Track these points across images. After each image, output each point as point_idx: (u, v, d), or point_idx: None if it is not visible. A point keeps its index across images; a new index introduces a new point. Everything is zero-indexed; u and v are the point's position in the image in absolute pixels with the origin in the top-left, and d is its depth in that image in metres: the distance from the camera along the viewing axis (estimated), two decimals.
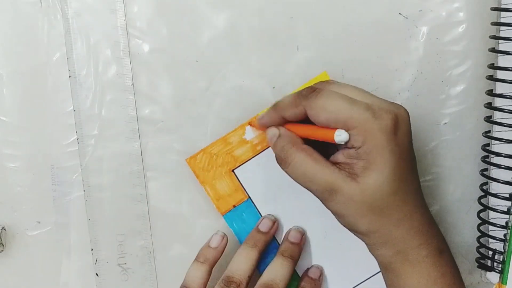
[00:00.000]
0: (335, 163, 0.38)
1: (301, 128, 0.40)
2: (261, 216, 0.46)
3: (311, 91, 0.39)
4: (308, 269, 0.46)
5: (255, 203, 0.46)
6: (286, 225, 0.46)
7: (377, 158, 0.36)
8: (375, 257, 0.40)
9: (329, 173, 0.38)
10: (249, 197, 0.46)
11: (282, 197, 0.46)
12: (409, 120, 0.38)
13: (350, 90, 0.38)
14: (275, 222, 0.46)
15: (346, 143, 0.37)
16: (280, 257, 0.44)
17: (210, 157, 0.46)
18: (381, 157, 0.36)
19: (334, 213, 0.39)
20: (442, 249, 0.39)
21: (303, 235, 0.46)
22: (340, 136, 0.37)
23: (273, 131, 0.42)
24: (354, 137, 0.37)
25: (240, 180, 0.46)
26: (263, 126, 0.43)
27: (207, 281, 0.44)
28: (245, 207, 0.46)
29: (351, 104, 0.37)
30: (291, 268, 0.44)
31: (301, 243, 0.46)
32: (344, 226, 0.39)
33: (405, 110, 0.38)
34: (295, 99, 0.39)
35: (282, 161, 0.40)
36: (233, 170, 0.46)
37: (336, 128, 0.37)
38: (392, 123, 0.37)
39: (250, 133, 0.46)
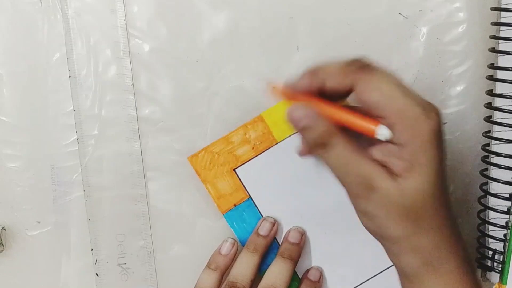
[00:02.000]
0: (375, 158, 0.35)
1: (337, 111, 0.36)
2: (262, 215, 0.46)
3: (364, 65, 0.35)
4: (307, 270, 0.46)
5: (255, 203, 0.46)
6: (286, 226, 0.46)
7: (423, 159, 0.33)
8: (397, 265, 0.37)
9: (368, 167, 0.34)
10: (250, 196, 0.46)
11: (282, 197, 0.46)
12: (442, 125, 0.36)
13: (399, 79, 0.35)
14: (275, 224, 0.46)
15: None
16: (280, 258, 0.44)
17: (211, 156, 0.46)
18: (427, 160, 0.33)
19: (364, 213, 0.36)
20: (469, 262, 0.37)
21: (302, 235, 0.46)
22: (382, 134, 0.34)
23: (305, 112, 0.36)
24: (400, 132, 0.34)
25: (241, 179, 0.46)
26: (292, 93, 0.37)
27: (218, 287, 0.44)
28: (246, 207, 0.46)
29: (405, 95, 0.34)
30: (291, 270, 0.44)
31: (300, 243, 0.45)
32: (370, 229, 0.36)
33: (439, 112, 0.35)
34: (344, 68, 0.35)
35: (321, 145, 0.35)
36: (234, 169, 0.46)
37: (380, 118, 0.34)
38: (439, 124, 0.34)
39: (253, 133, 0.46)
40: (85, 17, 0.46)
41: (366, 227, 0.36)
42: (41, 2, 0.46)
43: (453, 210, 0.37)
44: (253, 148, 0.46)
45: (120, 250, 0.47)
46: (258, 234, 0.45)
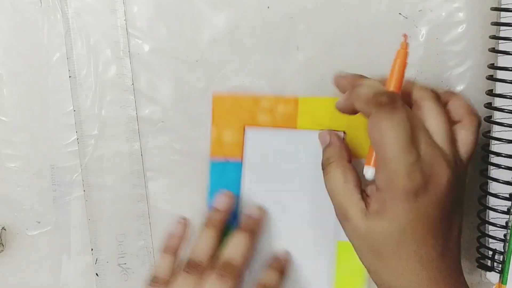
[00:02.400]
0: (363, 191, 0.39)
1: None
2: (241, 186, 0.46)
3: (388, 102, 0.36)
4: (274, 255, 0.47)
5: (244, 170, 0.46)
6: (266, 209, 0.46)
7: (388, 211, 0.36)
8: None
9: (349, 199, 0.38)
10: (242, 161, 0.46)
11: (271, 179, 0.46)
12: (447, 188, 0.36)
13: (419, 127, 0.37)
14: (232, 198, 0.46)
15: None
16: (239, 232, 0.44)
17: (234, 105, 0.46)
18: (393, 211, 0.36)
19: (348, 239, 0.39)
20: None
21: (261, 210, 0.46)
22: (366, 173, 0.38)
23: (324, 137, 0.43)
24: (380, 177, 0.36)
25: (245, 140, 0.46)
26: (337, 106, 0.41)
27: (174, 267, 0.44)
28: (233, 167, 0.46)
29: (401, 146, 0.35)
30: (251, 242, 0.44)
31: (260, 218, 0.46)
32: None
33: (449, 176, 0.36)
34: (369, 98, 0.37)
35: (323, 169, 0.41)
36: (246, 127, 0.46)
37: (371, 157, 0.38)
38: (414, 189, 0.35)
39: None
40: (85, 17, 0.46)
41: None
42: (41, 2, 0.46)
43: (451, 271, 0.38)
44: (272, 120, 0.46)
45: (120, 250, 0.47)
46: (215, 209, 0.45)
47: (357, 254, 0.39)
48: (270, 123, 0.46)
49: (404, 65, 0.38)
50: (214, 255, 0.44)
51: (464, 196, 0.40)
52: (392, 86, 0.38)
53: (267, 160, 0.46)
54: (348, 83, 0.40)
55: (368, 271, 0.39)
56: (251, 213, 0.46)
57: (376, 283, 0.39)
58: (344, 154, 0.41)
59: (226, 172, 0.46)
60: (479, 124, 0.40)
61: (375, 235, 0.37)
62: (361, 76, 0.40)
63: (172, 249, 0.44)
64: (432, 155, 0.36)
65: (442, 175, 0.36)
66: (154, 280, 0.43)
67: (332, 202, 0.40)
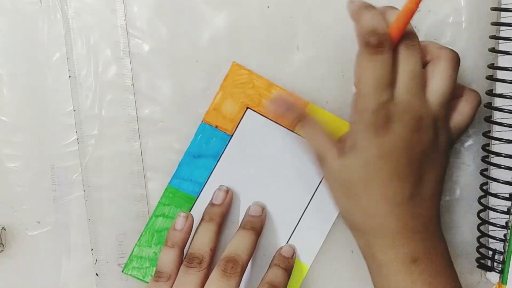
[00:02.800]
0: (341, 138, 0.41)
1: None
2: (220, 159, 0.46)
3: (373, 44, 0.38)
4: (281, 247, 0.47)
5: (229, 145, 0.46)
6: (244, 197, 0.47)
7: (358, 145, 0.38)
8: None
9: (324, 144, 0.40)
10: (232, 136, 0.46)
11: (249, 165, 0.47)
12: (424, 137, 0.38)
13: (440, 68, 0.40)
14: (228, 192, 0.46)
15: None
16: (242, 229, 0.45)
17: (248, 81, 0.46)
18: (360, 146, 0.38)
19: (325, 182, 0.43)
20: (416, 257, 0.39)
21: (263, 209, 0.46)
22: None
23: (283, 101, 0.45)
24: (353, 111, 0.39)
25: (242, 120, 0.46)
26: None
27: (180, 263, 0.44)
28: (221, 138, 0.46)
29: (374, 85, 0.37)
30: (254, 240, 0.44)
31: (262, 216, 0.46)
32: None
33: (425, 126, 0.38)
34: (359, 36, 0.39)
35: (297, 122, 0.43)
36: (248, 108, 0.46)
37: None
38: (378, 122, 0.37)
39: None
40: (85, 17, 0.46)
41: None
42: (41, 2, 0.46)
43: (420, 211, 0.39)
44: None
45: (120, 250, 0.47)
46: (212, 204, 0.45)
47: (332, 197, 0.41)
48: (272, 114, 0.46)
49: (411, 11, 0.38)
50: (216, 250, 0.44)
51: (446, 164, 0.41)
52: (392, 28, 0.38)
53: (255, 146, 0.46)
54: (358, 8, 0.40)
55: (342, 213, 0.42)
56: (253, 212, 0.46)
57: (348, 226, 0.41)
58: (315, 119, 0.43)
59: (212, 137, 0.46)
60: (479, 103, 0.42)
61: (346, 173, 0.39)
62: (368, 6, 0.40)
63: (175, 243, 0.44)
64: (408, 102, 0.38)
65: (411, 121, 0.38)
66: (158, 274, 0.43)
67: (311, 147, 0.41)
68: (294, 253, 0.46)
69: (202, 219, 0.45)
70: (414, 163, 0.38)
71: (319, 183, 0.46)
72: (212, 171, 0.46)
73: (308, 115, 0.43)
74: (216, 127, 0.46)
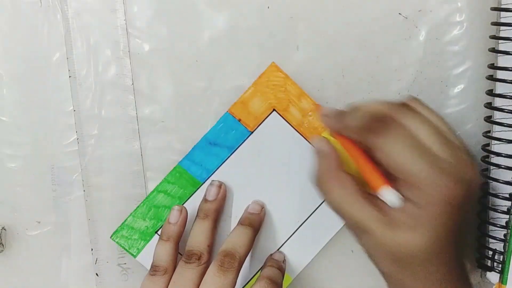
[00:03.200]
0: (377, 199, 0.36)
1: (355, 154, 0.38)
2: (238, 150, 0.46)
3: (379, 126, 0.35)
4: (271, 254, 0.47)
5: (247, 140, 0.46)
6: (246, 197, 0.47)
7: (425, 224, 0.34)
8: None
9: (362, 213, 0.36)
10: (252, 133, 0.46)
11: (262, 170, 0.47)
12: (477, 188, 0.37)
13: (424, 127, 0.35)
14: (221, 187, 0.46)
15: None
16: (240, 225, 0.45)
17: (282, 84, 0.46)
18: (428, 226, 0.34)
19: (363, 249, 0.38)
20: None
21: (262, 207, 0.46)
22: (391, 197, 0.35)
23: (318, 145, 0.41)
24: (414, 194, 0.34)
25: (264, 120, 0.46)
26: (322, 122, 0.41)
27: (176, 257, 0.44)
28: (241, 132, 0.46)
29: (420, 158, 0.34)
30: (252, 236, 0.44)
31: (260, 214, 0.46)
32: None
33: (476, 171, 0.36)
34: (361, 129, 0.37)
35: (318, 186, 0.39)
36: (274, 110, 0.46)
37: (387, 183, 0.35)
38: (458, 198, 0.34)
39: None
40: (85, 17, 0.46)
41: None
42: (41, 2, 0.46)
43: (460, 270, 0.37)
44: (299, 122, 0.46)
45: (120, 250, 0.47)
46: (206, 200, 0.45)
47: (376, 262, 0.37)
48: (296, 123, 0.46)
49: (364, 158, 0.38)
50: (213, 245, 0.44)
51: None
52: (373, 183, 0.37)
53: (271, 148, 0.46)
54: (335, 117, 0.40)
55: (388, 278, 0.38)
56: (253, 210, 0.46)
57: (390, 285, 0.39)
58: (339, 164, 0.39)
59: (232, 129, 0.46)
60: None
61: (401, 248, 0.35)
62: (343, 112, 0.39)
63: (170, 236, 0.44)
64: (451, 149, 0.35)
65: (470, 173, 0.35)
66: (154, 268, 0.43)
67: (343, 217, 0.38)
68: (284, 259, 0.47)
69: (197, 216, 0.45)
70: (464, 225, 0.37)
71: (322, 202, 0.46)
72: (224, 161, 0.46)
73: (336, 169, 0.39)
74: (239, 120, 0.46)
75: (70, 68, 0.46)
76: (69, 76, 0.47)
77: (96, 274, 0.47)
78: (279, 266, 0.45)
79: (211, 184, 0.46)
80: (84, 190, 0.47)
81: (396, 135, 0.35)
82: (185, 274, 0.42)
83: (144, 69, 0.47)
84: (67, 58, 0.46)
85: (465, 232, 0.37)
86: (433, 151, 0.35)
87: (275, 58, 0.47)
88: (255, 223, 0.45)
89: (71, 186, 0.47)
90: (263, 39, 0.47)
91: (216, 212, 0.45)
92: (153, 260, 0.44)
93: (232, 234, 0.44)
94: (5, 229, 0.47)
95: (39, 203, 0.47)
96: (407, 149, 0.34)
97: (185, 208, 0.45)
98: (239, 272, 0.42)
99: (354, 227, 0.37)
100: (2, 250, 0.47)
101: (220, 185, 0.46)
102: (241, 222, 0.45)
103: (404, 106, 0.37)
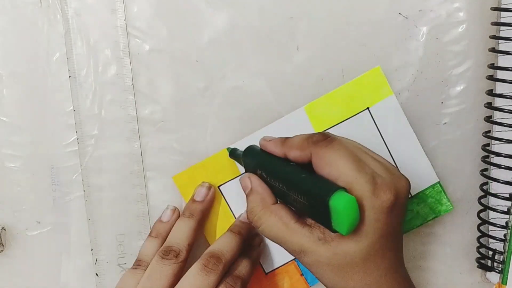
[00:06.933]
0: (302, 221, 0.39)
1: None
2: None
3: (322, 138, 0.38)
4: (240, 215, 0.47)
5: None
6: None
7: (359, 233, 0.36)
8: None
9: (299, 237, 0.38)
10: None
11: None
12: (407, 196, 0.38)
13: (358, 148, 0.39)
14: (211, 189, 0.46)
15: None
16: (229, 232, 0.45)
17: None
18: (363, 234, 0.36)
19: (307, 268, 0.39)
20: None
21: None
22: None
23: (245, 182, 0.42)
24: None
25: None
26: (265, 148, 0.43)
27: None
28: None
29: (357, 170, 0.36)
30: (240, 243, 0.44)
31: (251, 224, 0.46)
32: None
33: (407, 182, 0.38)
34: (303, 141, 0.39)
35: (252, 223, 0.41)
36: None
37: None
38: (388, 205, 0.36)
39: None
40: (85, 17, 0.46)
41: None
42: (41, 2, 0.46)
43: (399, 269, 0.39)
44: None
45: (120, 250, 0.47)
46: (193, 200, 0.46)
47: (319, 278, 0.39)
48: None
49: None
50: (193, 246, 0.44)
51: None
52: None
53: None
54: (274, 143, 0.41)
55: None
56: (244, 219, 0.46)
57: None
58: (269, 198, 0.41)
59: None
60: None
61: (340, 258, 0.37)
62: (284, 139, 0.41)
63: (159, 234, 0.44)
64: (382, 166, 0.38)
65: (402, 182, 0.38)
66: (137, 263, 0.43)
67: (280, 244, 0.39)
68: (261, 241, 0.47)
69: (182, 214, 0.45)
70: (401, 225, 0.39)
71: None
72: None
73: (265, 210, 0.40)
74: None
75: (70, 68, 0.46)
76: (69, 76, 0.47)
77: (96, 274, 0.47)
78: (239, 229, 0.45)
79: (201, 185, 0.46)
80: (84, 190, 0.47)
81: (338, 147, 0.37)
82: (160, 269, 0.42)
83: (144, 69, 0.47)
84: (67, 58, 0.46)
85: (399, 237, 0.39)
86: (370, 166, 0.37)
87: (275, 58, 0.47)
88: (244, 231, 0.45)
89: (71, 186, 0.47)
90: (263, 39, 0.47)
91: (202, 213, 0.45)
92: (138, 254, 0.44)
93: (221, 239, 0.44)
94: (5, 229, 0.47)
95: (39, 203, 0.47)
96: (348, 159, 0.37)
97: (178, 209, 0.46)
98: (221, 277, 0.41)
99: (295, 251, 0.39)
100: (2, 250, 0.47)
101: (210, 187, 0.46)
102: (231, 229, 0.45)
103: (308, 144, 0.39)
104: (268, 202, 0.40)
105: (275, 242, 0.40)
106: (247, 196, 0.42)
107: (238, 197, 0.46)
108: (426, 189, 0.46)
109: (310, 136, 0.39)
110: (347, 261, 0.37)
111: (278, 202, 0.41)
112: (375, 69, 0.46)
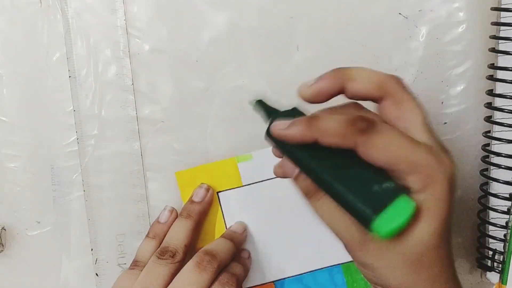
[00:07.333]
0: None
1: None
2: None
3: (367, 125, 0.32)
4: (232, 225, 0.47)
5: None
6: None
7: (431, 208, 0.32)
8: None
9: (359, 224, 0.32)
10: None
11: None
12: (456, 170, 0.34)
13: (413, 117, 0.34)
14: (209, 191, 0.46)
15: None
16: (222, 237, 0.45)
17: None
18: (436, 208, 0.32)
19: (363, 265, 0.34)
20: None
21: (244, 229, 0.46)
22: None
23: (288, 167, 0.35)
24: (414, 183, 0.32)
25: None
26: (285, 137, 0.34)
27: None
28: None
29: (414, 145, 0.32)
30: (233, 249, 0.44)
31: (242, 234, 0.46)
32: (371, 280, 0.35)
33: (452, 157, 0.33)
34: (344, 128, 0.32)
35: (308, 201, 0.34)
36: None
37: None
38: (454, 170, 0.32)
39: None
40: (85, 17, 0.46)
41: (366, 278, 0.35)
42: (41, 2, 0.46)
43: (452, 256, 0.35)
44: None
45: (120, 250, 0.47)
46: (191, 201, 0.46)
47: (385, 274, 0.33)
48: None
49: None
50: (190, 247, 0.44)
51: None
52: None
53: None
54: (305, 125, 0.33)
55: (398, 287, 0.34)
56: (235, 229, 0.46)
57: None
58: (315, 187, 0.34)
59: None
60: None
61: (413, 244, 0.32)
62: (315, 117, 0.34)
63: (156, 235, 0.44)
64: (439, 143, 0.34)
65: (451, 159, 0.33)
66: (135, 263, 0.43)
67: (336, 231, 0.34)
68: (244, 229, 0.46)
69: (180, 215, 0.45)
70: None
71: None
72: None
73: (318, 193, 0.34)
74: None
75: (70, 68, 0.46)
76: (69, 76, 0.47)
77: (96, 274, 0.47)
78: (231, 236, 0.45)
79: (200, 186, 0.46)
80: (84, 190, 0.47)
81: (386, 130, 0.32)
82: (156, 269, 0.41)
83: (144, 69, 0.47)
84: (67, 58, 0.46)
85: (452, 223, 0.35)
86: (423, 140, 0.33)
87: (275, 58, 0.47)
88: (236, 240, 0.45)
89: (71, 186, 0.47)
90: (263, 39, 0.47)
91: (199, 214, 0.45)
92: (136, 255, 0.44)
93: (214, 241, 0.44)
94: (5, 229, 0.47)
95: (39, 203, 0.47)
96: (401, 139, 0.32)
97: (176, 210, 0.46)
98: (215, 275, 0.41)
99: (356, 239, 0.33)
100: (2, 250, 0.47)
101: (208, 189, 0.46)
102: (223, 236, 0.45)
103: (395, 85, 0.34)
104: (317, 190, 0.34)
105: (329, 227, 0.34)
106: (297, 178, 0.35)
107: (234, 208, 0.46)
108: None
109: (352, 123, 0.32)
110: (422, 248, 0.32)
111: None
112: None
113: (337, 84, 0.34)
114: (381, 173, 0.32)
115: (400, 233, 0.31)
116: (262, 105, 0.36)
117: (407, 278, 0.33)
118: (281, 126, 0.33)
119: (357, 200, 0.31)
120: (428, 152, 0.32)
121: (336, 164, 0.32)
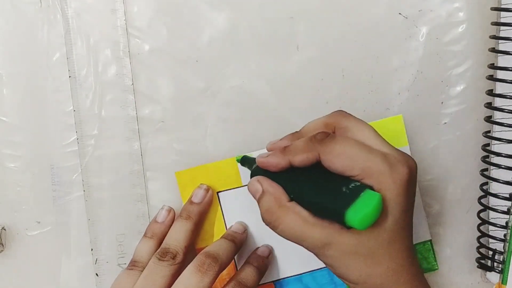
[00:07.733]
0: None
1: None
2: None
3: (325, 136, 0.38)
4: (257, 248, 0.46)
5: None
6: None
7: (384, 210, 0.36)
8: None
9: (320, 230, 0.37)
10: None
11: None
12: (416, 173, 0.38)
13: (364, 134, 0.38)
14: (209, 191, 0.46)
15: (350, 185, 0.36)
16: (223, 238, 0.44)
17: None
18: (387, 208, 0.36)
19: (327, 264, 0.38)
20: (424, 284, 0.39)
21: (245, 229, 0.46)
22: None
23: (255, 187, 0.40)
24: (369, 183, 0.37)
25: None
26: (267, 165, 0.40)
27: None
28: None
29: (368, 153, 0.36)
30: (234, 250, 0.44)
31: (243, 234, 0.46)
32: (336, 275, 0.39)
33: (414, 161, 0.38)
34: (307, 143, 0.38)
35: (269, 224, 0.39)
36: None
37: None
38: (406, 177, 0.36)
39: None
40: (85, 17, 0.46)
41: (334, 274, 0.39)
42: (41, 2, 0.46)
43: (415, 250, 0.39)
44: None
45: (120, 250, 0.47)
46: (191, 202, 0.45)
47: (344, 271, 0.37)
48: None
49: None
50: (190, 248, 0.44)
51: None
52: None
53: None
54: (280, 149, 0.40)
55: (357, 282, 0.38)
56: (236, 229, 0.46)
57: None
58: (283, 196, 0.39)
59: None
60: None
61: (366, 242, 0.36)
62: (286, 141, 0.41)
63: (154, 234, 0.44)
64: (390, 147, 0.38)
65: (410, 159, 0.38)
66: (133, 263, 0.43)
67: (301, 244, 0.38)
68: (270, 253, 0.46)
69: (180, 215, 0.45)
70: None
71: None
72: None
73: (281, 203, 0.38)
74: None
75: (70, 68, 0.46)
76: (69, 76, 0.47)
77: (96, 274, 0.47)
78: (259, 262, 0.45)
79: (199, 187, 0.46)
80: (84, 190, 0.47)
81: (343, 137, 0.38)
82: (157, 270, 0.41)
83: (144, 69, 0.47)
84: (67, 58, 0.46)
85: (412, 218, 0.39)
86: (377, 147, 0.38)
87: (275, 58, 0.47)
88: (237, 240, 0.45)
89: (71, 186, 0.47)
90: (263, 39, 0.47)
91: (199, 215, 0.45)
92: (134, 255, 0.44)
93: (215, 243, 0.44)
94: (5, 229, 0.47)
95: (39, 203, 0.47)
96: (357, 147, 0.37)
97: (173, 209, 0.46)
98: (216, 278, 0.41)
99: (317, 246, 0.37)
100: (2, 250, 0.47)
101: (208, 189, 0.46)
102: (224, 237, 0.45)
103: (338, 117, 0.40)
104: (283, 200, 0.38)
105: (294, 241, 0.38)
106: (258, 199, 0.39)
107: (234, 207, 0.46)
108: (417, 244, 0.46)
109: (313, 137, 0.38)
110: (374, 245, 0.36)
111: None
112: (397, 117, 0.46)
113: (283, 161, 0.39)
114: (347, 178, 0.37)
115: (374, 223, 0.35)
116: (246, 159, 0.45)
117: (361, 272, 0.37)
118: (263, 156, 0.40)
119: (329, 202, 0.36)
120: (382, 159, 0.36)
121: (309, 178, 0.38)
